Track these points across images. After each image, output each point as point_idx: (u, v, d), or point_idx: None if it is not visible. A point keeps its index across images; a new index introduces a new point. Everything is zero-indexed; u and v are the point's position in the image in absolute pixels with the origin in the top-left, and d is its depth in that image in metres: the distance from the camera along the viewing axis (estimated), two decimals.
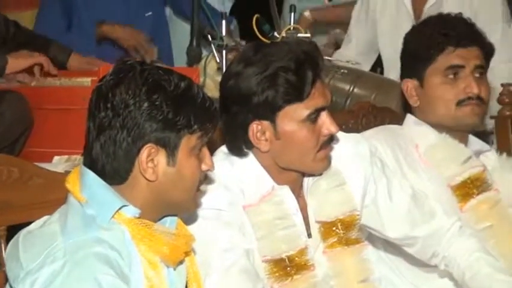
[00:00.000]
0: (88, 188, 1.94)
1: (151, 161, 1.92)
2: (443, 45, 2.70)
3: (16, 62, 3.32)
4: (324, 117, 2.25)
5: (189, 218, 2.19)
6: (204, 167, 1.99)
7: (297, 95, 2.20)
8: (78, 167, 1.99)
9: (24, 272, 1.87)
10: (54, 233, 1.90)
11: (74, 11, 4.15)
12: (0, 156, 2.54)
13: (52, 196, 2.31)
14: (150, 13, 4.30)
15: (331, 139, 2.30)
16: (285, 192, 2.31)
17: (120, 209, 1.93)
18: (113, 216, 1.92)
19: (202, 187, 2.09)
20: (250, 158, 2.30)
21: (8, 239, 2.38)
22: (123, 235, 1.92)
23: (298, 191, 2.36)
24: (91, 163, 1.95)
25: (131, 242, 1.93)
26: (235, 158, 2.31)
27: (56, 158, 3.06)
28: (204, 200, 2.21)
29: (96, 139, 1.93)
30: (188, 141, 1.94)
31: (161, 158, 1.93)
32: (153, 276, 1.95)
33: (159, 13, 4.41)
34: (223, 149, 2.35)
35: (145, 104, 1.90)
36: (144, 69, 1.94)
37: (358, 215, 2.40)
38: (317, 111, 2.23)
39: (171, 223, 2.04)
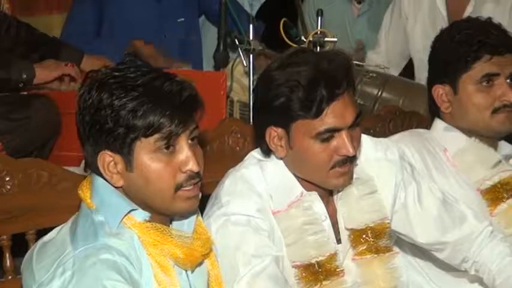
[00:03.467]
0: (97, 194, 1.96)
1: (114, 167, 1.92)
2: (480, 53, 2.67)
3: (44, 73, 3.33)
4: (342, 137, 2.20)
5: (220, 223, 2.19)
6: (184, 168, 1.93)
7: (306, 112, 2.17)
8: (92, 174, 2.00)
9: (37, 284, 1.90)
10: (64, 242, 1.92)
11: (105, 17, 4.15)
12: (29, 160, 2.57)
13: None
14: (182, 19, 4.30)
15: (351, 158, 2.24)
16: (314, 198, 2.31)
17: (129, 213, 1.94)
18: (122, 221, 1.93)
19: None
20: (280, 164, 2.30)
21: None
22: (132, 240, 1.93)
23: (327, 197, 2.35)
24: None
25: (141, 246, 1.94)
26: (265, 164, 2.31)
27: (84, 161, 3.08)
28: (235, 206, 2.21)
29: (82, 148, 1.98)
30: (144, 145, 1.90)
31: (120, 164, 1.92)
32: (163, 280, 1.95)
33: (192, 19, 4.41)
34: (255, 153, 2.35)
35: (99, 108, 1.89)
36: (102, 78, 1.92)
37: (388, 223, 2.38)
38: (330, 131, 2.19)
39: (188, 225, 2.03)
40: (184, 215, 2.04)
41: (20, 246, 2.48)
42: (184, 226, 2.04)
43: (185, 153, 1.93)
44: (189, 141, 1.95)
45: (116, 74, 1.92)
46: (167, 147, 1.92)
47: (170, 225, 2.04)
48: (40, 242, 2.00)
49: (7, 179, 2.44)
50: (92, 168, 1.96)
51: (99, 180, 1.96)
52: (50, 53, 3.60)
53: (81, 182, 2.02)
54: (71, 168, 2.70)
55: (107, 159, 1.91)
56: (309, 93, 2.16)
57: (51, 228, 2.05)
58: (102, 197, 1.95)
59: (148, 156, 1.91)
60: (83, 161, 3.08)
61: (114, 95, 1.88)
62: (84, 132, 1.93)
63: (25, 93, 3.32)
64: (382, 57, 4.13)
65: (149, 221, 1.96)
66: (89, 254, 1.86)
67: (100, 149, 1.91)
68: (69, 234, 1.93)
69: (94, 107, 1.89)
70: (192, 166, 1.93)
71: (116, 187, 1.95)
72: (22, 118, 3.13)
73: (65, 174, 2.54)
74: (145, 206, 1.96)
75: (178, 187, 1.94)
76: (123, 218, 1.93)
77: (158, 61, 3.89)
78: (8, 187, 2.43)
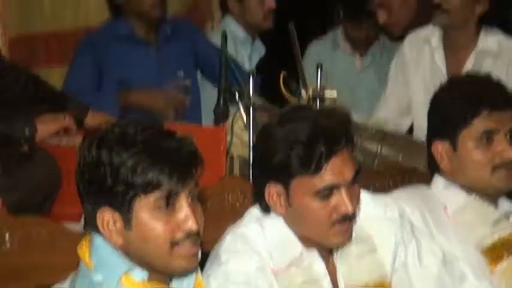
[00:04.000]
0: (96, 253, 1.95)
1: (113, 225, 1.91)
2: (479, 110, 2.64)
3: (45, 128, 3.34)
4: (341, 194, 2.21)
5: (219, 282, 2.19)
6: (184, 226, 1.93)
7: (305, 168, 2.18)
8: (90, 233, 2.00)
9: None
10: None
11: (105, 70, 4.19)
12: (29, 217, 2.57)
13: None
14: (182, 73, 4.34)
15: (350, 217, 2.24)
16: (314, 257, 2.30)
17: (127, 272, 1.93)
18: (120, 281, 1.92)
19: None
20: (280, 221, 2.30)
21: None
22: None
23: (327, 255, 2.35)
24: None
25: None
26: (265, 221, 2.31)
27: None
28: (234, 264, 2.21)
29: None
30: (144, 203, 1.90)
31: (119, 221, 1.91)
32: None
33: (191, 72, 4.45)
34: (254, 211, 2.35)
35: (91, 168, 1.90)
36: (102, 134, 1.93)
37: (388, 282, 2.37)
38: (329, 188, 2.20)
39: (188, 284, 2.03)
40: (183, 274, 2.03)
41: None
42: (183, 285, 2.03)
43: (184, 212, 1.93)
44: (189, 200, 1.95)
45: (116, 129, 1.93)
46: (167, 205, 1.91)
47: (170, 284, 2.03)
48: None
49: (7, 236, 2.43)
50: (91, 226, 1.96)
51: (98, 239, 1.95)
52: (56, 106, 3.62)
53: (81, 241, 2.02)
54: (73, 224, 2.70)
55: (106, 217, 1.91)
56: (308, 149, 2.17)
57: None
58: (101, 256, 1.94)
59: (147, 214, 1.90)
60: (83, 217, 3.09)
61: (113, 151, 1.88)
62: (83, 189, 1.93)
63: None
64: (391, 112, 4.10)
65: (148, 281, 1.95)
66: None
67: (99, 206, 1.91)
68: None
69: (93, 163, 1.89)
70: (192, 225, 1.93)
71: (115, 245, 1.94)
72: (22, 173, 3.13)
73: (65, 231, 2.54)
74: (144, 264, 1.95)
75: (174, 244, 1.93)
76: (121, 278, 1.92)
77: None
78: (8, 245, 2.43)
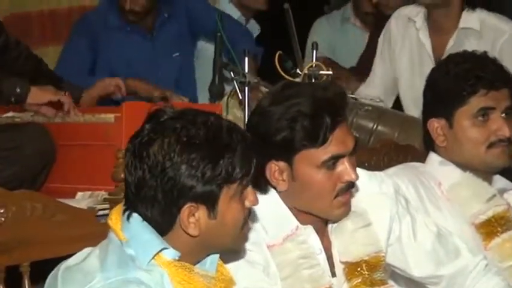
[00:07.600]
0: (130, 227, 1.95)
1: (192, 217, 1.93)
2: (476, 88, 2.67)
3: (39, 93, 3.29)
4: (345, 164, 2.23)
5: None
6: (247, 204, 2.00)
7: (312, 141, 2.19)
8: (121, 204, 1.99)
9: None
10: (93, 270, 1.91)
11: (100, 51, 4.16)
12: (23, 192, 2.55)
13: (75, 232, 2.32)
14: (177, 54, 4.32)
15: (352, 185, 2.27)
16: (309, 232, 2.31)
17: (160, 251, 1.93)
18: (152, 258, 1.92)
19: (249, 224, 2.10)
20: (275, 197, 2.30)
21: (31, 275, 2.39)
22: (161, 278, 1.93)
23: (322, 231, 2.35)
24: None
25: (170, 285, 1.93)
26: (260, 197, 2.30)
27: (79, 193, 3.07)
28: None
29: (136, 196, 1.94)
30: (228, 191, 1.94)
31: (202, 213, 1.93)
32: None
33: (187, 54, 4.43)
34: None
35: (182, 166, 1.89)
36: (177, 127, 1.92)
37: (383, 256, 2.38)
38: (334, 158, 2.22)
39: (211, 264, 2.03)
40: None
41: (13, 278, 2.47)
42: (206, 265, 2.04)
43: (253, 195, 2.01)
44: None
45: (180, 125, 1.93)
46: (240, 194, 1.97)
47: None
48: (63, 265, 1.98)
49: (1, 211, 2.42)
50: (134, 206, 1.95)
51: (133, 214, 1.95)
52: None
53: (111, 212, 2.01)
54: (66, 201, 2.68)
55: (190, 212, 1.92)
56: (314, 122, 2.18)
57: (46, 261, 2.04)
58: (135, 231, 1.94)
59: (228, 203, 1.95)
60: (78, 193, 3.07)
61: (201, 153, 1.90)
62: (162, 190, 1.91)
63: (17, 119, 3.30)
64: (376, 89, 4.08)
65: (178, 260, 1.96)
66: (119, 286, 1.86)
67: (183, 204, 1.92)
68: (99, 263, 1.92)
69: (179, 166, 1.89)
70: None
71: (192, 236, 1.95)
72: (13, 148, 3.10)
73: (60, 206, 2.53)
74: (212, 250, 2.00)
75: (243, 225, 2.01)
76: (155, 255, 1.93)
77: (155, 93, 3.90)
78: (2, 219, 2.42)
